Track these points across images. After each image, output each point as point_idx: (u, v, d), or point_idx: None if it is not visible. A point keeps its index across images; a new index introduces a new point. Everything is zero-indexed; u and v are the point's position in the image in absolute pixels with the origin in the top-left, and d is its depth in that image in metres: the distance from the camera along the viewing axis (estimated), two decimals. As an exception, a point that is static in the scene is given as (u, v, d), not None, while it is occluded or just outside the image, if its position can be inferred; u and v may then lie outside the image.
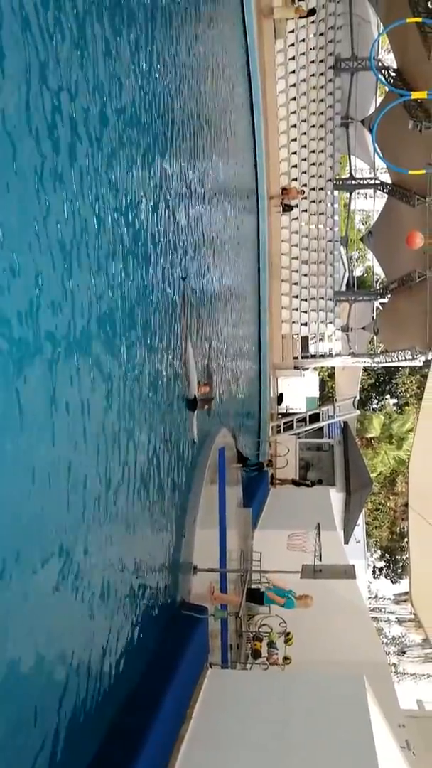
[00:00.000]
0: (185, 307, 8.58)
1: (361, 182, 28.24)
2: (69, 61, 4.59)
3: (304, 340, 27.56)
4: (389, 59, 27.03)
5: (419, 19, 18.28)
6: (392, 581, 43.53)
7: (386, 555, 44.11)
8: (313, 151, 24.87)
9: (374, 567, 44.30)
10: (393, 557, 43.56)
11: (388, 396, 44.20)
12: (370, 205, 30.94)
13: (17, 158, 3.77)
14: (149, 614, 6.40)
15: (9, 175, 3.69)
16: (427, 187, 22.02)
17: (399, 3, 20.42)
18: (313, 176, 25.06)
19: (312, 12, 22.07)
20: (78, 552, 4.56)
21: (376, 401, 44.60)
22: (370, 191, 28.63)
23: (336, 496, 24.16)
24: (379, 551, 44.37)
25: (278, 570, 11.50)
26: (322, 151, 25.14)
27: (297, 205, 24.11)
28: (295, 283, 24.97)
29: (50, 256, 4.18)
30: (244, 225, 17.99)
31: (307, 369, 30.42)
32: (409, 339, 24.01)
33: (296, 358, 27.04)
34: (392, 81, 23.61)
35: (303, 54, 23.18)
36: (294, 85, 23.19)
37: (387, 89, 24.37)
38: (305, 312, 25.41)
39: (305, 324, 25.54)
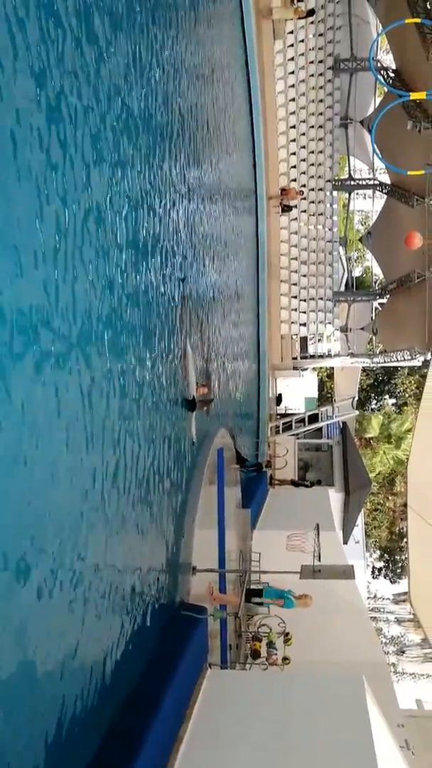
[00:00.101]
0: (184, 308, 8.59)
1: (360, 183, 28.27)
2: (67, 62, 4.60)
3: (303, 341, 27.58)
4: (388, 60, 27.07)
5: (418, 20, 18.31)
6: (391, 581, 43.59)
7: (385, 555, 44.16)
8: (312, 152, 24.90)
9: (373, 567, 44.35)
10: (392, 557, 43.61)
11: (386, 396, 44.25)
12: (369, 205, 30.96)
13: (16, 159, 3.78)
14: (149, 615, 6.40)
15: (8, 176, 3.70)
16: (425, 187, 22.05)
17: (398, 3, 20.45)
18: (312, 177, 25.08)
19: (311, 12, 22.09)
20: (77, 552, 4.57)
21: (374, 401, 44.64)
22: (369, 192, 28.66)
23: (335, 497, 24.19)
24: (378, 551, 44.42)
25: (277, 570, 11.52)
26: (321, 152, 25.17)
27: (296, 206, 24.13)
28: (294, 284, 24.98)
29: (49, 257, 4.19)
30: (243, 225, 18.00)
31: (306, 369, 30.46)
32: (408, 339, 24.03)
33: (295, 358, 27.07)
34: (391, 81, 23.64)
35: (302, 54, 23.21)
36: (293, 85, 23.21)
37: (386, 90, 24.40)
38: (304, 312, 25.43)
39: (304, 324, 25.55)
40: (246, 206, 18.93)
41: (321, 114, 24.74)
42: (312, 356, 28.78)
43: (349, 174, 29.48)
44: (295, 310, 25.21)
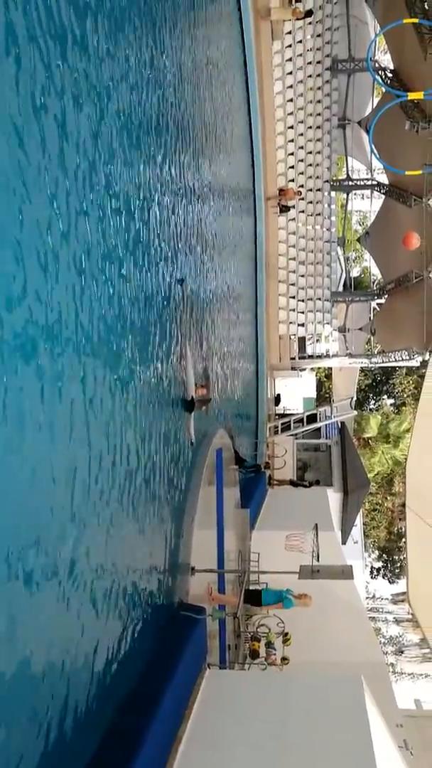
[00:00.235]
0: (183, 309, 8.60)
1: (358, 183, 28.31)
2: (65, 62, 4.60)
3: (302, 341, 27.63)
4: (386, 60, 27.09)
5: (416, 20, 18.33)
6: (390, 581, 43.59)
7: (384, 555, 44.16)
8: (310, 152, 24.91)
9: (372, 567, 44.36)
10: (390, 557, 43.61)
11: (385, 396, 44.26)
12: (367, 205, 31.01)
13: (13, 161, 3.78)
14: (148, 615, 6.41)
15: (6, 177, 3.70)
16: (423, 187, 22.07)
17: (396, 4, 20.47)
18: (310, 177, 25.09)
19: (309, 13, 22.11)
20: (75, 553, 4.57)
21: (373, 401, 44.65)
22: (367, 192, 28.71)
23: (333, 497, 24.21)
24: (376, 551, 44.41)
25: (276, 570, 11.53)
26: (319, 152, 25.19)
27: (294, 206, 24.14)
28: (293, 284, 24.99)
29: (47, 258, 4.19)
30: (242, 226, 18.01)
31: (305, 370, 30.48)
32: (406, 339, 24.06)
33: (293, 358, 27.12)
34: (389, 82, 23.66)
35: (300, 55, 23.22)
36: (291, 86, 23.23)
37: (384, 90, 24.43)
38: (302, 313, 25.44)
39: (302, 325, 25.57)
40: (244, 206, 18.94)
41: (319, 114, 24.75)
42: (310, 356, 28.85)
43: (347, 174, 29.51)
44: (294, 310, 25.22)
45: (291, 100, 23.45)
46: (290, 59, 22.80)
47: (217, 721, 6.42)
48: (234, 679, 8.28)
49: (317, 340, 27.82)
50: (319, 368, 37.34)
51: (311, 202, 25.35)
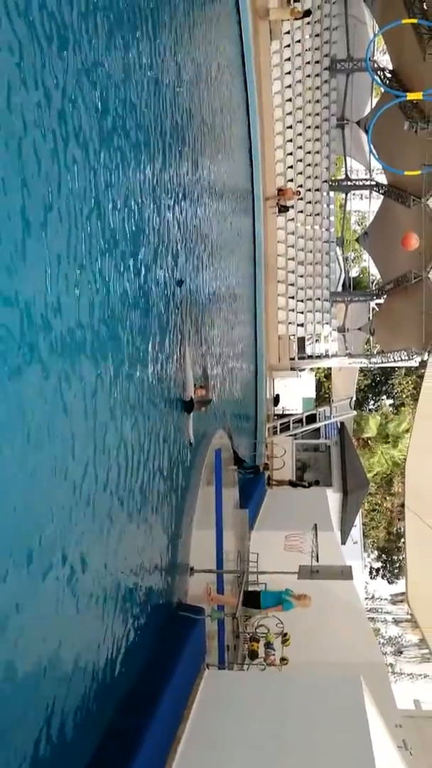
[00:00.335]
0: (182, 310, 8.59)
1: (357, 183, 28.31)
2: (64, 63, 4.59)
3: (301, 341, 27.63)
4: (385, 60, 27.12)
5: (414, 20, 18.35)
6: (389, 582, 43.62)
7: (383, 555, 44.18)
8: (309, 152, 24.92)
9: (371, 567, 44.37)
10: (390, 558, 43.64)
11: (384, 396, 44.30)
12: (365, 205, 31.02)
13: (12, 162, 3.78)
14: (146, 615, 6.40)
15: (6, 176, 3.70)
16: (422, 187, 22.10)
17: (394, 4, 20.50)
18: (308, 177, 25.10)
19: (308, 13, 22.12)
20: (74, 554, 4.56)
21: (372, 402, 44.69)
22: (366, 192, 28.71)
23: (333, 497, 24.21)
24: (375, 552, 44.43)
25: (275, 571, 11.52)
26: (317, 152, 25.20)
27: (293, 206, 24.15)
28: (291, 284, 25.00)
29: (46, 259, 4.19)
30: (240, 226, 18.01)
31: (304, 370, 30.48)
32: (405, 340, 24.08)
33: (293, 358, 27.12)
34: (388, 82, 23.68)
35: (299, 55, 23.24)
36: (290, 86, 23.24)
37: (383, 90, 24.44)
38: (301, 313, 25.45)
39: (301, 325, 25.57)
40: (243, 207, 18.94)
41: (318, 114, 24.77)
42: (309, 357, 28.87)
43: (346, 174, 29.53)
44: (293, 310, 25.23)
45: (290, 99, 23.46)
46: (289, 59, 22.82)
47: (216, 721, 6.42)
48: (233, 680, 8.27)
49: (316, 340, 27.82)
50: (318, 368, 37.36)
51: (310, 202, 25.36)
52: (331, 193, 26.65)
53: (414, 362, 24.46)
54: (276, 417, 27.06)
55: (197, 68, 10.87)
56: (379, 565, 44.55)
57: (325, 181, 25.73)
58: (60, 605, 4.34)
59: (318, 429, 27.82)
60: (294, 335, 26.21)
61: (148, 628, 6.40)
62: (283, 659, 9.66)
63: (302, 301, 25.43)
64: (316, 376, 41.41)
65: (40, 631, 4.04)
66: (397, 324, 26.21)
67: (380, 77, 23.86)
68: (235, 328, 16.11)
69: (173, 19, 8.79)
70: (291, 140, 24.01)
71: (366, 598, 40.34)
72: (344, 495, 25.31)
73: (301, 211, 25.03)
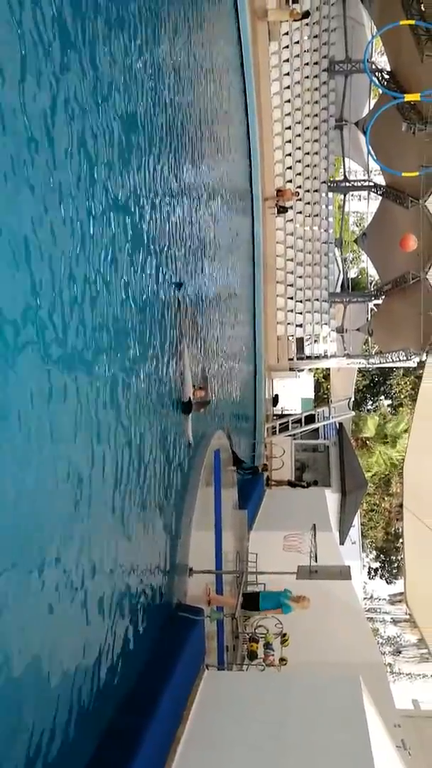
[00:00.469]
0: (180, 311, 8.60)
1: (355, 184, 28.33)
2: (63, 62, 4.61)
3: (299, 342, 27.62)
4: (383, 61, 27.15)
5: (412, 22, 18.39)
6: (387, 582, 43.64)
7: (381, 556, 44.20)
8: (308, 153, 24.93)
9: (369, 568, 44.39)
10: (388, 558, 43.65)
11: (382, 397, 44.33)
12: (364, 206, 31.05)
13: (11, 163, 3.79)
14: (146, 616, 6.41)
15: (4, 178, 3.72)
16: (420, 188, 22.13)
17: (392, 5, 20.53)
18: (307, 178, 25.11)
19: (306, 14, 22.14)
20: (74, 554, 4.58)
21: (370, 402, 44.72)
22: (364, 193, 28.74)
23: (331, 497, 24.21)
24: (374, 552, 44.44)
25: (274, 571, 11.53)
26: (316, 153, 25.21)
27: (291, 207, 24.16)
28: (290, 285, 25.00)
29: (45, 261, 4.20)
30: (239, 227, 18.02)
31: (303, 370, 30.48)
32: (403, 340, 24.10)
33: (291, 359, 27.11)
34: (386, 83, 23.72)
35: (297, 56, 23.25)
36: (288, 87, 23.25)
37: (381, 91, 24.47)
38: (300, 313, 25.46)
39: (300, 325, 25.58)
40: (242, 207, 18.96)
41: (316, 115, 24.78)
42: (308, 357, 28.87)
43: (344, 175, 29.55)
44: (291, 311, 25.23)
45: (288, 101, 23.47)
46: (287, 60, 22.83)
47: (215, 721, 6.43)
48: (232, 680, 8.28)
49: (315, 341, 27.81)
50: (317, 369, 37.37)
51: (309, 203, 25.37)
52: (330, 194, 26.67)
53: (412, 363, 24.47)
54: (275, 417, 27.07)
55: (195, 69, 10.89)
56: (377, 565, 44.58)
57: (324, 182, 25.75)
58: (59, 606, 4.36)
59: (317, 429, 27.81)
60: (293, 336, 26.21)
61: (148, 628, 6.41)
62: (282, 660, 9.67)
63: (301, 301, 25.44)
64: (314, 376, 41.43)
65: (40, 631, 4.06)
66: (396, 325, 26.24)
67: (378, 78, 23.89)
68: (234, 328, 16.12)
69: (171, 21, 8.81)
70: (290, 141, 24.02)
71: (364, 598, 40.37)
72: (343, 495, 25.31)
73: (300, 212, 25.04)
